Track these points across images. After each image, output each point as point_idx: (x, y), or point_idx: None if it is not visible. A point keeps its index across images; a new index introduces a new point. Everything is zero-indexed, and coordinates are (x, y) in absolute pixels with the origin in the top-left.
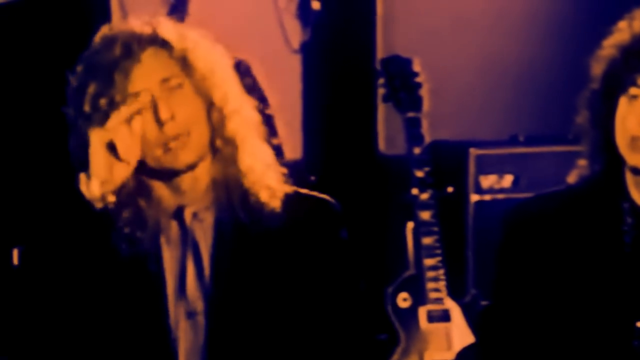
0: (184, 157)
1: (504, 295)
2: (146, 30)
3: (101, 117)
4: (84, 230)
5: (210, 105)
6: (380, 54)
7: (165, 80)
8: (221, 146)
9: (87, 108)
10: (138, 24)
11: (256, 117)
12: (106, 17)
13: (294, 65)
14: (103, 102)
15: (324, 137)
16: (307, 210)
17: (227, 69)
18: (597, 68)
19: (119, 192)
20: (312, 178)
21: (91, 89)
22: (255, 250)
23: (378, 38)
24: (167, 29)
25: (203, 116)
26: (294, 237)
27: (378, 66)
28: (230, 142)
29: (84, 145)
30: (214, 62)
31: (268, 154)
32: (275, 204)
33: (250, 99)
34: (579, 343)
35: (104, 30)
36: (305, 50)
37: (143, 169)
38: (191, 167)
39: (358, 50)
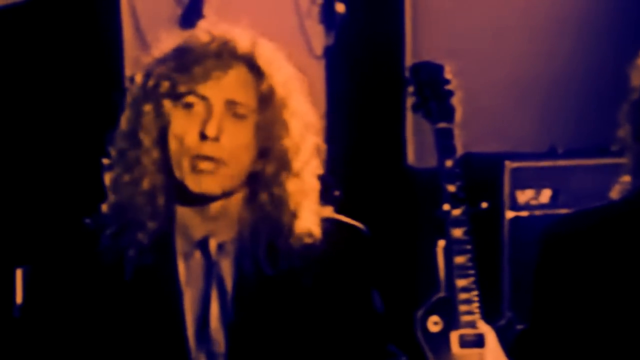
0: (207, 185)
1: (541, 319)
2: (245, 46)
3: (156, 97)
4: (92, 256)
5: (267, 153)
6: (409, 60)
7: (233, 103)
8: (267, 204)
9: (150, 83)
10: (238, 34)
11: (316, 183)
12: (116, 19)
13: (317, 72)
14: (166, 84)
15: (349, 148)
16: (336, 243)
17: (306, 119)
18: (636, 78)
19: (136, 209)
20: (337, 193)
21: (163, 69)
22: (278, 287)
23: (407, 43)
24: (266, 54)
25: (250, 156)
26: (321, 273)
27: (407, 73)
28: (282, 205)
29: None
30: (297, 113)
31: (316, 218)
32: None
33: (318, 158)
34: None
35: (205, 27)
36: (329, 56)
37: (172, 189)
38: (211, 198)
39: (385, 56)
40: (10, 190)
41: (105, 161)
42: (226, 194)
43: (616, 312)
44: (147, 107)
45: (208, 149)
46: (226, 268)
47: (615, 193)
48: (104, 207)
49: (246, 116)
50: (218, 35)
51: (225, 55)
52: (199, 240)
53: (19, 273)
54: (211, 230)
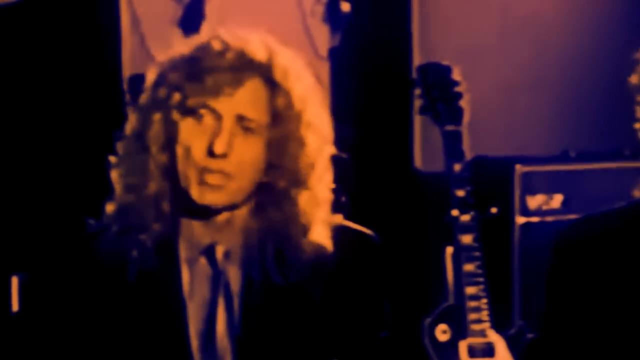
0: (211, 198)
1: (553, 327)
2: (261, 57)
3: (166, 107)
4: (93, 258)
5: (278, 166)
6: (416, 61)
7: (244, 118)
8: (276, 218)
9: (162, 93)
10: (254, 42)
11: (329, 194)
12: (115, 19)
13: (321, 74)
14: (177, 96)
15: (354, 153)
16: (346, 251)
17: (322, 131)
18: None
19: (140, 215)
20: (343, 199)
21: (175, 78)
22: (288, 296)
23: (414, 43)
24: (283, 64)
25: (258, 170)
26: (331, 282)
27: (414, 75)
28: (293, 220)
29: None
30: (313, 125)
31: (327, 230)
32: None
33: (331, 171)
34: None
35: (219, 35)
36: (334, 57)
37: (177, 196)
38: (217, 210)
39: (392, 57)
40: (6, 193)
41: (112, 159)
42: (232, 207)
43: (631, 321)
44: (156, 116)
45: (215, 164)
46: (233, 276)
47: (639, 192)
48: (108, 207)
49: (257, 132)
50: (233, 44)
51: (239, 67)
52: (205, 247)
53: (14, 280)
54: (217, 238)
